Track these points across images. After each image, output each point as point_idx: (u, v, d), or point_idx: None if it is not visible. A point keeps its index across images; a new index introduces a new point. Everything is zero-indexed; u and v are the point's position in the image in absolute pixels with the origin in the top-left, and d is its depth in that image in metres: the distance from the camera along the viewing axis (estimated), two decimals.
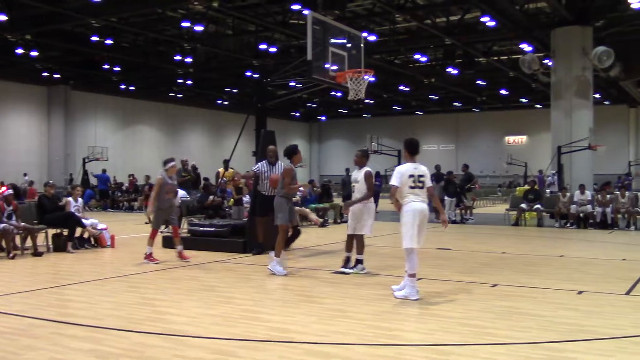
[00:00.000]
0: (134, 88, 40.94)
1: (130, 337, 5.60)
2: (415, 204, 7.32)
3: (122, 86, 40.05)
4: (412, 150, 7.69)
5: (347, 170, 22.19)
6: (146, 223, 16.10)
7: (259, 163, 11.40)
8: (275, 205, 9.48)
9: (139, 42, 30.48)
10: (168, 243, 12.31)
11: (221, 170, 17.59)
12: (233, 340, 5.50)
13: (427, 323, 6.18)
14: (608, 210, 17.49)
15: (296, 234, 10.29)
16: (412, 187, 7.37)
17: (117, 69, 34.48)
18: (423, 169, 7.54)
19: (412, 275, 7.28)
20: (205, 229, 12.40)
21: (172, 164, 10.62)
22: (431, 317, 6.42)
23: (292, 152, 9.64)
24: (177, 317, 6.35)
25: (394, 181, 7.42)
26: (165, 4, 23.33)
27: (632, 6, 22.93)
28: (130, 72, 36.04)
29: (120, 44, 30.50)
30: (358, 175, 9.20)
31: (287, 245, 9.72)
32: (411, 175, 7.40)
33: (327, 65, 11.91)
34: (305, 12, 12.69)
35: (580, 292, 7.73)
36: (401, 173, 7.41)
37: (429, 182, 7.54)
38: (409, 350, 5.23)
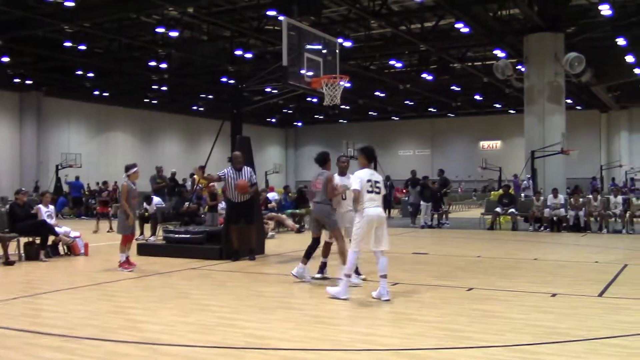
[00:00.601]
0: (107, 94, 40.53)
1: (104, 346, 5.53)
2: (372, 209, 7.57)
3: (96, 92, 39.61)
4: (368, 157, 7.98)
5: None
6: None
7: (225, 169, 11.42)
8: (321, 213, 8.80)
9: (112, 48, 30.20)
10: (143, 250, 12.22)
11: (197, 176, 17.46)
12: (209, 348, 5.46)
13: (403, 327, 6.20)
14: (581, 213, 17.75)
15: (316, 244, 9.22)
16: (369, 192, 7.62)
17: (90, 74, 34.10)
18: (378, 176, 7.87)
19: (347, 276, 7.63)
20: (180, 235, 12.31)
21: (134, 169, 10.57)
22: (407, 322, 6.44)
23: (325, 160, 9.04)
24: (151, 325, 6.29)
25: (355, 185, 7.62)
26: (139, 9, 23.17)
27: (602, 13, 23.34)
28: (104, 78, 35.68)
29: (93, 49, 30.19)
30: (348, 181, 8.79)
31: (309, 256, 8.94)
32: (369, 181, 7.64)
33: (302, 71, 11.93)
34: (281, 18, 12.70)
35: (553, 295, 7.82)
36: (361, 178, 7.63)
37: (383, 189, 7.95)
38: (385, 355, 5.24)
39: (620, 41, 26.75)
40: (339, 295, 7.54)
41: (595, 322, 6.36)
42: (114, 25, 26.27)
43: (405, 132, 54.80)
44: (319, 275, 9.05)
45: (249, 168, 11.50)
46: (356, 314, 6.79)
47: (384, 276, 7.50)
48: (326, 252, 9.13)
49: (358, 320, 6.50)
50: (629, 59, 29.51)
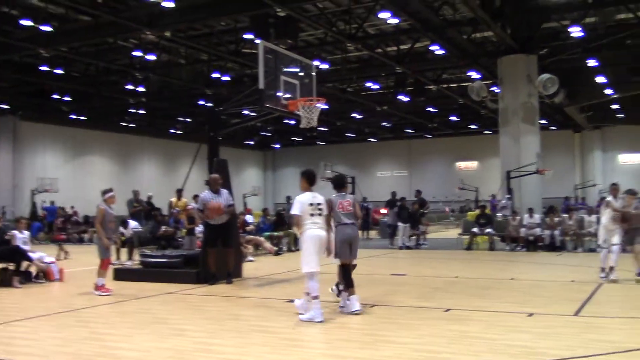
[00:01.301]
0: (84, 118, 40.24)
1: None
2: (314, 231, 7.81)
3: (73, 116, 39.32)
4: (310, 181, 8.17)
5: (288, 198, 22.18)
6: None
7: (203, 194, 11.40)
8: (356, 236, 8.46)
9: (90, 72, 30.07)
10: (119, 275, 12.08)
11: (174, 199, 17.38)
12: None
13: (380, 350, 6.19)
14: (556, 232, 17.93)
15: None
16: (311, 215, 7.85)
17: (67, 98, 33.85)
18: (320, 198, 8.02)
19: (315, 298, 7.63)
20: (157, 259, 12.19)
21: (110, 194, 10.60)
22: (385, 344, 6.43)
23: (345, 182, 8.85)
24: (127, 352, 6.20)
25: (295, 210, 7.86)
26: (116, 33, 23.15)
27: (573, 35, 23.85)
28: (81, 101, 35.46)
29: (70, 73, 30.04)
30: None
31: (351, 284, 8.29)
32: (311, 204, 7.87)
33: (279, 94, 11.98)
34: (258, 41, 12.78)
35: (530, 314, 7.87)
36: (302, 202, 7.86)
37: (325, 211, 8.01)
38: None
39: (592, 62, 27.33)
40: (314, 319, 7.56)
41: (572, 341, 6.41)
42: (91, 49, 26.20)
43: (383, 153, 55.11)
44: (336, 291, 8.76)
45: (225, 190, 11.51)
46: (333, 337, 6.77)
47: (317, 297, 7.68)
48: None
49: (335, 343, 6.48)
50: (600, 79, 30.14)
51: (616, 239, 10.83)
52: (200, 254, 11.74)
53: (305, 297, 7.80)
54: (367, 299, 9.13)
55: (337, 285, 8.63)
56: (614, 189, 11.60)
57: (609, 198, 11.24)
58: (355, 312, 7.90)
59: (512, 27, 23.97)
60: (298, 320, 7.67)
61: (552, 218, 18.31)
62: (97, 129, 42.72)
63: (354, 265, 8.52)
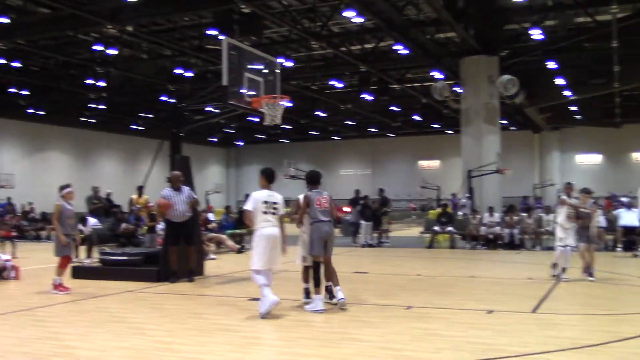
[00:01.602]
0: (43, 113, 39.37)
1: None
2: (266, 230, 7.87)
3: (31, 110, 38.42)
4: (268, 179, 8.24)
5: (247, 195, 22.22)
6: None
7: (164, 191, 11.29)
8: (332, 233, 8.44)
9: (49, 66, 29.43)
10: (78, 273, 11.85)
11: (134, 196, 17.13)
12: None
13: (343, 348, 6.19)
14: (515, 231, 18.24)
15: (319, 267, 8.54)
16: (264, 213, 7.90)
17: (25, 92, 33.09)
18: (277, 197, 8.09)
19: (266, 286, 7.77)
20: (117, 257, 11.99)
21: (68, 189, 10.37)
22: (349, 342, 6.44)
23: (320, 179, 8.67)
24: (84, 351, 6.08)
25: (247, 206, 8.00)
26: (77, 27, 22.67)
27: (533, 37, 24.30)
28: (40, 96, 34.67)
29: (29, 67, 29.35)
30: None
31: (319, 283, 8.25)
32: (265, 202, 7.94)
33: (243, 91, 11.90)
34: (222, 37, 12.68)
35: (490, 312, 7.98)
36: (255, 199, 7.95)
37: (282, 210, 8.10)
38: None
39: (551, 64, 27.88)
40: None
41: (529, 338, 6.52)
42: (50, 43, 25.62)
43: (346, 151, 55.31)
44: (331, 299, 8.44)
45: (187, 188, 11.40)
46: (296, 335, 6.75)
47: (268, 285, 7.83)
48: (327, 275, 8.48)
49: (298, 341, 6.46)
50: (559, 81, 30.76)
51: (571, 240, 10.96)
52: (162, 251, 11.60)
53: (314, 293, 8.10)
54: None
55: (326, 290, 8.53)
56: (568, 187, 11.77)
57: (564, 196, 11.42)
58: (318, 312, 7.91)
59: (475, 28, 24.29)
60: (260, 319, 7.63)
61: (511, 217, 18.61)
62: (56, 124, 41.83)
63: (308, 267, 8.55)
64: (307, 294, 8.57)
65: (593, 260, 10.87)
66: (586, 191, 11.27)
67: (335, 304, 8.24)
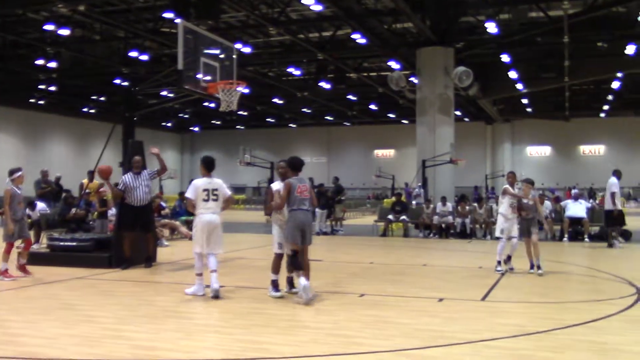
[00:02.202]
0: None
1: None
2: (205, 216, 8.19)
3: None
4: (208, 167, 8.43)
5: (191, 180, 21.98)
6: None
7: (125, 176, 11.09)
8: (310, 223, 8.21)
9: None
10: (30, 259, 11.53)
11: (85, 181, 16.75)
12: None
13: (296, 335, 6.22)
14: (467, 220, 18.58)
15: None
16: (205, 200, 8.23)
17: None
18: (217, 183, 8.38)
19: (198, 275, 8.23)
20: (66, 243, 11.72)
21: (19, 173, 10.06)
22: (301, 329, 6.47)
23: (302, 166, 8.36)
24: (31, 339, 5.93)
25: (189, 194, 8.30)
26: (26, 5, 22.00)
27: (488, 30, 24.68)
28: None
29: None
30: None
31: (301, 267, 7.99)
32: (205, 190, 8.25)
33: (199, 76, 11.77)
34: (177, 20, 12.47)
35: (441, 300, 8.12)
36: (196, 187, 8.26)
37: (226, 193, 8.45)
38: None
39: (505, 58, 28.39)
40: (197, 292, 8.21)
41: (479, 325, 6.66)
42: None
43: (303, 139, 55.34)
44: (293, 290, 8.34)
45: (146, 170, 11.29)
46: (250, 322, 6.74)
47: (215, 271, 8.11)
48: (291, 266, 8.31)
49: (251, 329, 6.45)
50: (512, 74, 31.37)
51: (515, 230, 10.61)
52: (113, 237, 11.39)
53: (197, 280, 8.26)
54: (283, 284, 9.15)
55: (288, 281, 8.42)
56: (511, 176, 11.28)
57: (506, 185, 11.03)
58: (311, 298, 7.71)
59: (432, 19, 24.53)
60: (212, 306, 7.59)
61: (463, 207, 18.93)
62: (2, 105, 40.56)
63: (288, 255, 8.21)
64: (291, 283, 8.38)
65: (538, 253, 10.43)
66: (528, 181, 10.86)
67: (295, 294, 8.14)
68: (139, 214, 11.01)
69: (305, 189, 8.04)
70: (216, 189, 8.33)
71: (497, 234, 10.87)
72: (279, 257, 8.25)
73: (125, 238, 11.06)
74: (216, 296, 7.95)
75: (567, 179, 46.36)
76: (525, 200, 10.60)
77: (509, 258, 10.75)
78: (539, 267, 10.42)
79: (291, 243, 7.95)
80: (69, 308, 7.49)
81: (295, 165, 8.24)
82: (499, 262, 10.70)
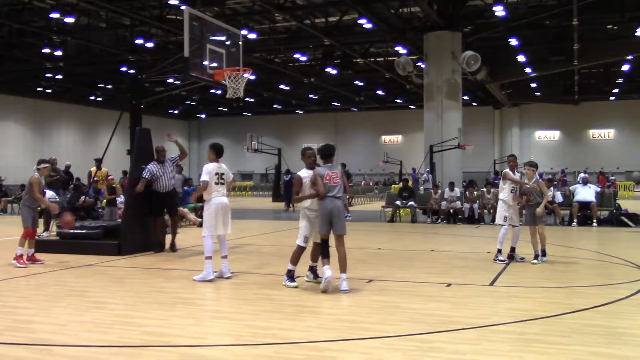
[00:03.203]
0: None
1: None
2: (217, 199, 8.52)
3: None
4: (217, 153, 8.76)
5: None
6: None
7: (150, 165, 11.44)
8: (342, 210, 7.93)
9: (2, 33, 28.49)
10: (40, 247, 11.62)
11: (93, 169, 16.83)
12: (104, 347, 5.28)
13: (304, 321, 6.25)
14: (475, 206, 18.54)
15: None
16: (216, 184, 8.57)
17: None
18: (224, 167, 8.76)
19: (208, 258, 8.37)
20: (75, 231, 11.81)
21: (45, 165, 10.41)
22: (309, 315, 6.50)
23: (333, 153, 8.12)
24: (43, 326, 6.00)
25: (205, 177, 8.53)
26: None
27: (496, 14, 24.47)
28: None
29: None
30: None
31: (328, 255, 7.78)
32: (217, 174, 8.60)
33: (205, 63, 11.74)
34: (183, 7, 12.44)
35: (448, 285, 8.13)
36: (209, 171, 8.54)
37: (230, 176, 8.86)
38: (287, 349, 5.26)
39: (513, 41, 28.18)
40: (206, 277, 8.32)
41: (486, 310, 6.67)
42: (3, 9, 24.78)
43: (310, 125, 55.27)
44: (311, 277, 8.29)
45: (169, 159, 11.71)
46: (259, 308, 6.77)
47: (226, 257, 8.61)
48: (317, 255, 8.21)
49: (260, 314, 6.49)
50: (521, 58, 31.15)
51: (516, 218, 10.19)
52: (123, 224, 11.46)
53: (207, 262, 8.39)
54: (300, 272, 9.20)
55: (310, 269, 8.31)
56: (511, 160, 10.61)
57: (507, 170, 10.40)
58: (327, 279, 7.48)
59: (438, 3, 24.35)
60: (221, 292, 7.64)
61: (471, 192, 18.89)
62: (10, 94, 40.66)
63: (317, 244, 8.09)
64: (314, 272, 8.26)
65: (543, 240, 9.96)
66: (531, 164, 10.21)
67: (318, 283, 7.96)
68: (165, 200, 11.54)
69: (336, 176, 7.83)
70: (223, 173, 8.69)
71: (499, 220, 10.26)
72: (301, 250, 8.01)
73: (158, 222, 11.72)
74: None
75: (577, 163, 46.14)
76: (527, 185, 9.98)
77: (512, 250, 10.18)
78: (544, 254, 9.99)
79: (320, 233, 7.81)
80: (79, 295, 7.55)
81: (326, 153, 8.00)
82: (500, 251, 10.19)
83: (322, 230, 7.78)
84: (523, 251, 10.59)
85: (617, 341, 5.46)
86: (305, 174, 8.01)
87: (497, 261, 10.08)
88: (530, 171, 10.06)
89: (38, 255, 10.23)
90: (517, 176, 10.24)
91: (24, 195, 10.36)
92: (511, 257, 10.21)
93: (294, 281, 7.94)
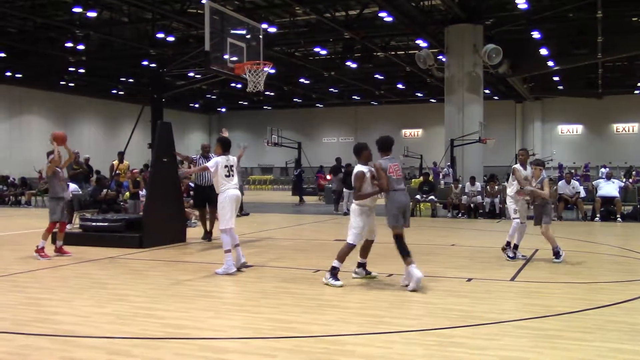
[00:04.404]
0: (21, 76, 38.69)
1: (15, 340, 5.30)
2: (230, 191, 8.67)
3: (8, 73, 37.74)
4: (224, 147, 8.96)
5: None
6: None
7: (197, 157, 12.53)
8: (409, 205, 8.05)
9: (26, 28, 28.81)
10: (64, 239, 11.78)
11: (115, 162, 17.00)
12: (126, 339, 5.34)
13: (324, 314, 6.26)
14: (496, 200, 18.40)
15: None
16: (226, 176, 8.70)
17: (1, 55, 32.43)
18: (232, 160, 8.94)
19: (227, 251, 8.49)
20: (98, 224, 11.94)
21: (51, 156, 10.31)
22: (329, 308, 6.51)
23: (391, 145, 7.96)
24: (66, 317, 6.08)
25: (210, 164, 8.77)
26: None
27: (519, 6, 24.19)
28: (18, 59, 34.01)
29: (6, 29, 28.72)
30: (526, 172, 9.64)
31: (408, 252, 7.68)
32: (225, 166, 8.73)
33: (225, 56, 11.77)
34: (204, 1, 12.46)
35: (469, 280, 8.09)
36: (218, 162, 8.72)
37: (237, 166, 8.97)
38: (307, 342, 5.27)
39: (535, 34, 27.85)
40: (228, 270, 8.40)
41: (508, 306, 6.63)
42: (27, 4, 25.06)
43: (330, 119, 55.17)
44: (362, 273, 8.21)
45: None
46: (279, 301, 6.80)
47: (238, 244, 8.82)
48: (367, 252, 8.23)
49: (280, 307, 6.51)
50: (543, 51, 30.77)
51: (524, 215, 9.87)
52: (144, 217, 11.56)
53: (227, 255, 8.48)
54: (311, 264, 9.23)
55: (360, 266, 8.20)
56: (522, 154, 10.24)
57: (517, 165, 9.96)
58: (417, 279, 7.33)
59: None
60: (241, 285, 7.67)
61: (492, 186, 18.75)
62: (34, 88, 41.14)
63: (371, 241, 8.13)
64: (365, 268, 8.15)
65: (551, 239, 9.58)
66: (537, 163, 9.88)
67: (374, 278, 8.07)
68: (206, 192, 12.01)
69: (398, 169, 7.71)
70: (232, 165, 8.83)
71: (512, 214, 9.88)
72: (351, 248, 7.82)
73: (201, 215, 12.69)
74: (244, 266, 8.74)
75: (600, 158, 45.51)
76: (530, 188, 9.47)
77: (515, 247, 9.85)
78: (557, 255, 9.47)
79: (393, 226, 7.59)
80: (102, 287, 7.64)
81: (385, 145, 7.80)
82: (509, 245, 9.87)
83: (396, 222, 7.56)
84: (545, 246, 10.49)
85: (639, 338, 5.40)
86: (361, 168, 7.76)
87: (508, 258, 9.74)
88: (538, 170, 9.68)
89: (53, 249, 10.30)
90: (528, 171, 9.82)
91: (49, 187, 10.44)
92: (504, 250, 9.94)
93: (338, 280, 7.62)
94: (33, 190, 24.56)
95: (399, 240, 7.59)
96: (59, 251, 10.22)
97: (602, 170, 19.82)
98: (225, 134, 11.42)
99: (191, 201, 16.49)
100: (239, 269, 8.62)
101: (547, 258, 9.87)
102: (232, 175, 8.79)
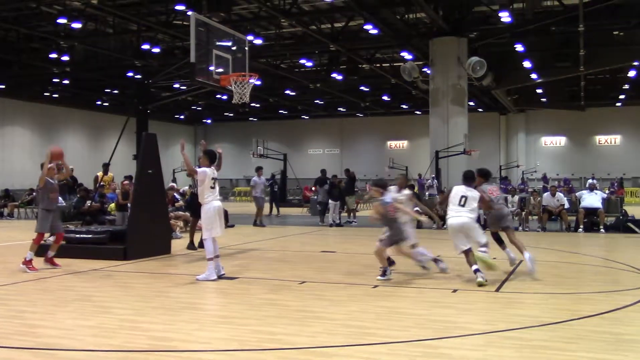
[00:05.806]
0: (4, 86, 38.39)
1: None
2: (216, 202, 9.04)
3: None
4: (211, 159, 9.32)
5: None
6: None
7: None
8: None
9: (10, 38, 28.64)
10: (41, 251, 11.64)
11: (100, 174, 16.89)
12: (110, 352, 5.28)
13: (310, 326, 6.24)
14: (480, 211, 18.44)
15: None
16: (211, 187, 9.05)
17: None
18: (216, 173, 9.30)
19: (210, 259, 8.82)
20: (82, 235, 11.84)
21: (50, 166, 10.28)
22: (314, 320, 6.49)
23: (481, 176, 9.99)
24: (49, 330, 6.01)
25: (199, 173, 9.08)
26: None
27: (502, 20, 24.46)
28: (1, 69, 33.74)
29: None
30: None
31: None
32: (213, 179, 9.09)
33: (211, 68, 11.80)
34: (190, 13, 12.50)
35: (454, 291, 8.11)
36: (206, 172, 9.06)
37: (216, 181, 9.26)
38: (292, 354, 5.25)
39: (519, 47, 28.15)
40: (209, 277, 8.71)
41: (493, 316, 6.65)
42: (11, 14, 24.93)
43: (315, 131, 55.26)
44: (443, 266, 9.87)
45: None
46: (264, 314, 6.77)
47: (218, 256, 9.07)
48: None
49: (265, 320, 6.48)
50: (526, 64, 31.11)
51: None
52: (129, 229, 11.49)
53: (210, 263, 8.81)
54: (297, 276, 9.22)
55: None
56: (400, 178, 11.23)
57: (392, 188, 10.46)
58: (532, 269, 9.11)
59: (444, 9, 24.36)
60: (227, 297, 7.63)
61: None
62: (17, 99, 40.82)
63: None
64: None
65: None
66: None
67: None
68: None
69: (496, 189, 10.07)
70: (216, 179, 9.23)
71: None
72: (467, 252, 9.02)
73: (194, 224, 12.76)
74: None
75: (583, 169, 45.97)
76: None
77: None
78: (383, 274, 9.08)
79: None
80: (86, 299, 7.56)
81: (486, 174, 10.05)
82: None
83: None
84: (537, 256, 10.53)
85: (623, 348, 5.44)
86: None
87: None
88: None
89: (37, 261, 10.17)
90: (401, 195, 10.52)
91: (39, 198, 10.33)
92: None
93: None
94: (16, 202, 24.31)
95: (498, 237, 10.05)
96: (49, 262, 10.10)
97: (590, 181, 20.00)
98: (205, 147, 11.59)
99: (176, 212, 16.44)
100: (220, 277, 8.87)
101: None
102: (216, 187, 9.15)
